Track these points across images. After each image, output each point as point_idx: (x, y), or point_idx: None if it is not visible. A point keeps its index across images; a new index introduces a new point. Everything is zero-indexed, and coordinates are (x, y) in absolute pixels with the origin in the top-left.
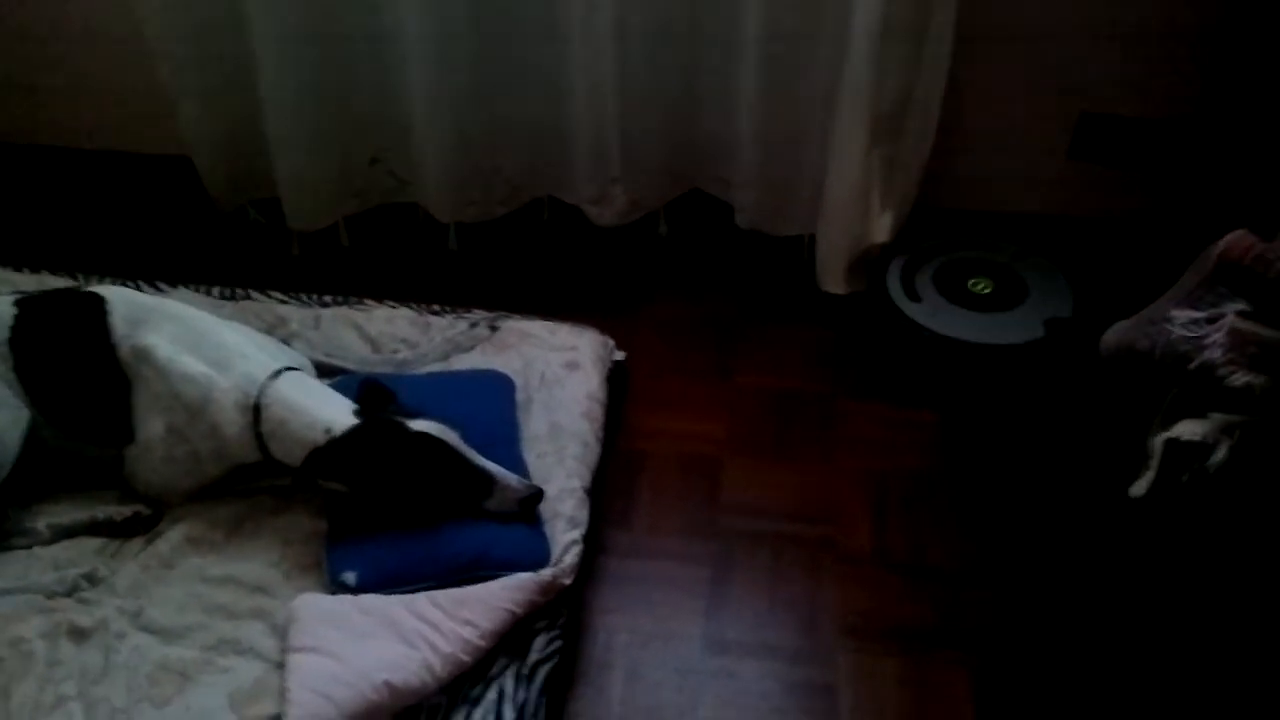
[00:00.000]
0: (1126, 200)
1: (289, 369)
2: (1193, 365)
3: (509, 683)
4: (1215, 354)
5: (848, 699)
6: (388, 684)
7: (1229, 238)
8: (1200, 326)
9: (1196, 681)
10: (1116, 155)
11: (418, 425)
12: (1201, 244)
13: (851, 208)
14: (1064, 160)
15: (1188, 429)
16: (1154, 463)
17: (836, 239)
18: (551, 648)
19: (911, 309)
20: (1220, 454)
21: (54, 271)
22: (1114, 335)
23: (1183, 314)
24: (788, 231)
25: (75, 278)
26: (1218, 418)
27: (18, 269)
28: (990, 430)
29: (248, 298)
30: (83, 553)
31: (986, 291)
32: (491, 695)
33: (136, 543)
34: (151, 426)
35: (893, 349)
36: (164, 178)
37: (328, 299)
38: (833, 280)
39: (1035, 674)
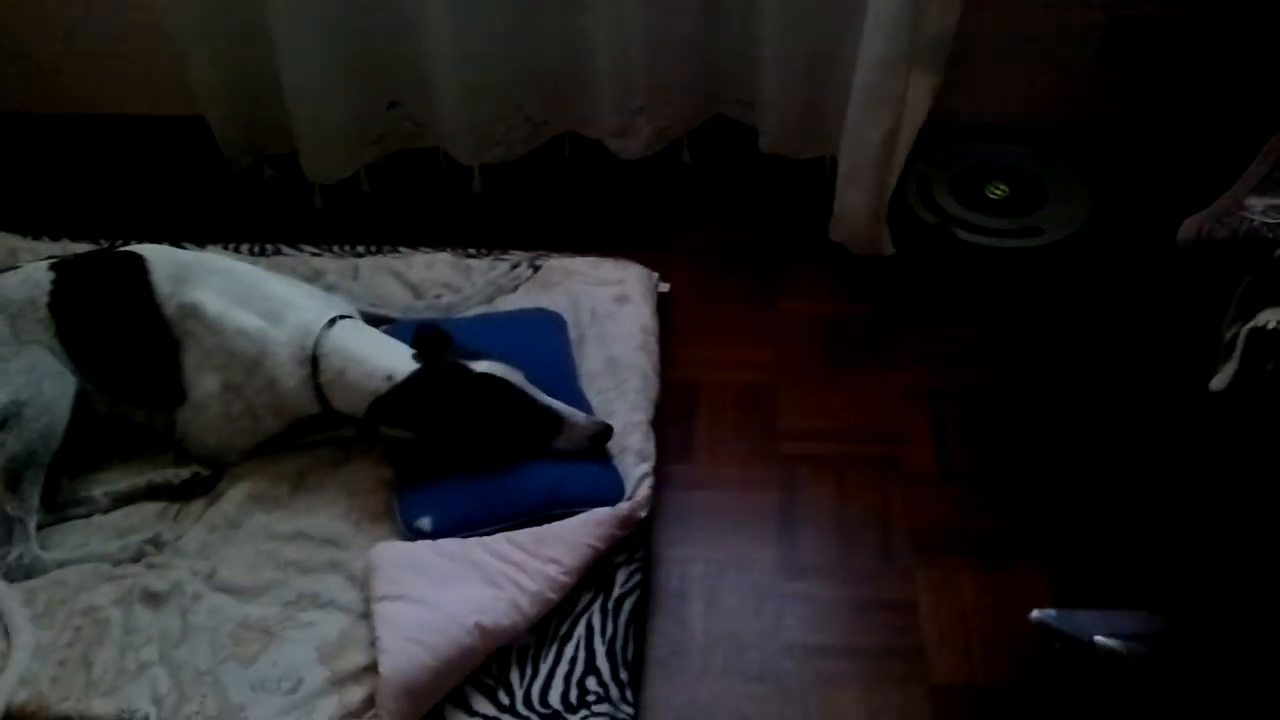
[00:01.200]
0: (1143, 105)
1: (342, 317)
2: (1278, 253)
3: (596, 617)
4: None
5: (929, 613)
6: (479, 626)
7: None
8: None
9: None
10: (1148, 59)
11: (481, 367)
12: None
13: (884, 163)
14: (1081, 67)
15: (1274, 316)
16: (1236, 354)
17: (870, 200)
18: (633, 580)
19: (948, 225)
20: None
21: (74, 238)
22: (1190, 228)
23: (1259, 201)
24: (810, 154)
25: (98, 243)
26: None
27: (37, 237)
28: (1042, 335)
29: (279, 253)
30: (144, 518)
31: (1004, 195)
32: (580, 631)
33: (198, 504)
34: (205, 385)
35: (931, 266)
36: (169, 140)
37: (361, 249)
38: (871, 243)
39: (1114, 574)
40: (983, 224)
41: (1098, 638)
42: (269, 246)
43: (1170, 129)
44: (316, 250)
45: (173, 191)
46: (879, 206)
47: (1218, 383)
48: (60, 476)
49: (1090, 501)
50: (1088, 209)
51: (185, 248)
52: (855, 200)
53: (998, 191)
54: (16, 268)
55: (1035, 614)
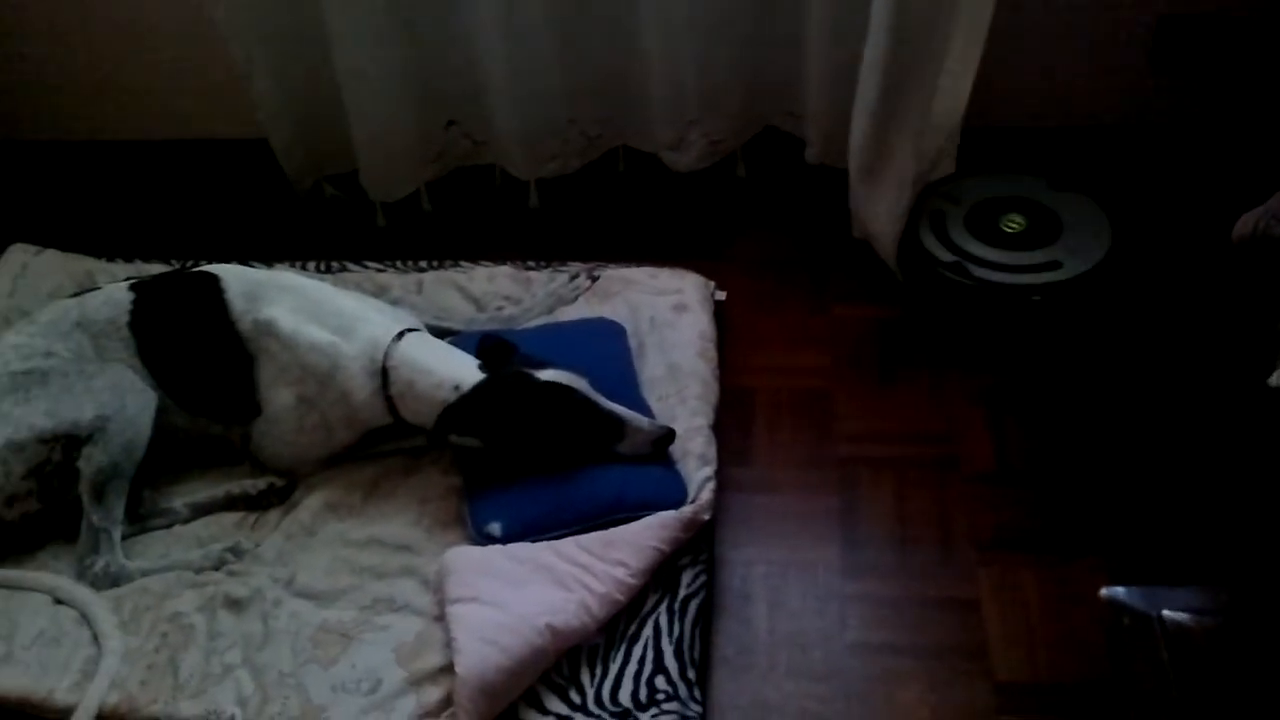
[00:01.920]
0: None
1: (410, 330)
2: None
3: (663, 618)
4: None
5: (992, 612)
6: (550, 627)
7: None
8: None
9: None
10: (1202, 60)
11: (546, 375)
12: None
13: (868, 164)
14: (1125, 69)
15: None
16: None
17: (863, 201)
18: (698, 582)
19: (962, 262)
20: None
21: (147, 260)
22: (1244, 224)
23: None
24: None
25: (170, 264)
26: None
27: (111, 259)
28: (1095, 337)
29: (344, 269)
30: (223, 528)
31: (1021, 228)
32: (648, 631)
33: (274, 514)
34: (280, 399)
35: (948, 303)
36: (233, 162)
37: (424, 264)
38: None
39: (1175, 568)
40: (1000, 260)
41: (1166, 611)
42: (335, 263)
43: (1212, 132)
44: (381, 266)
45: (238, 212)
46: (871, 212)
47: (1277, 379)
48: (142, 489)
49: (1150, 497)
50: (1109, 239)
51: (253, 267)
52: (857, 204)
53: (1013, 224)
54: (95, 289)
55: (1104, 591)
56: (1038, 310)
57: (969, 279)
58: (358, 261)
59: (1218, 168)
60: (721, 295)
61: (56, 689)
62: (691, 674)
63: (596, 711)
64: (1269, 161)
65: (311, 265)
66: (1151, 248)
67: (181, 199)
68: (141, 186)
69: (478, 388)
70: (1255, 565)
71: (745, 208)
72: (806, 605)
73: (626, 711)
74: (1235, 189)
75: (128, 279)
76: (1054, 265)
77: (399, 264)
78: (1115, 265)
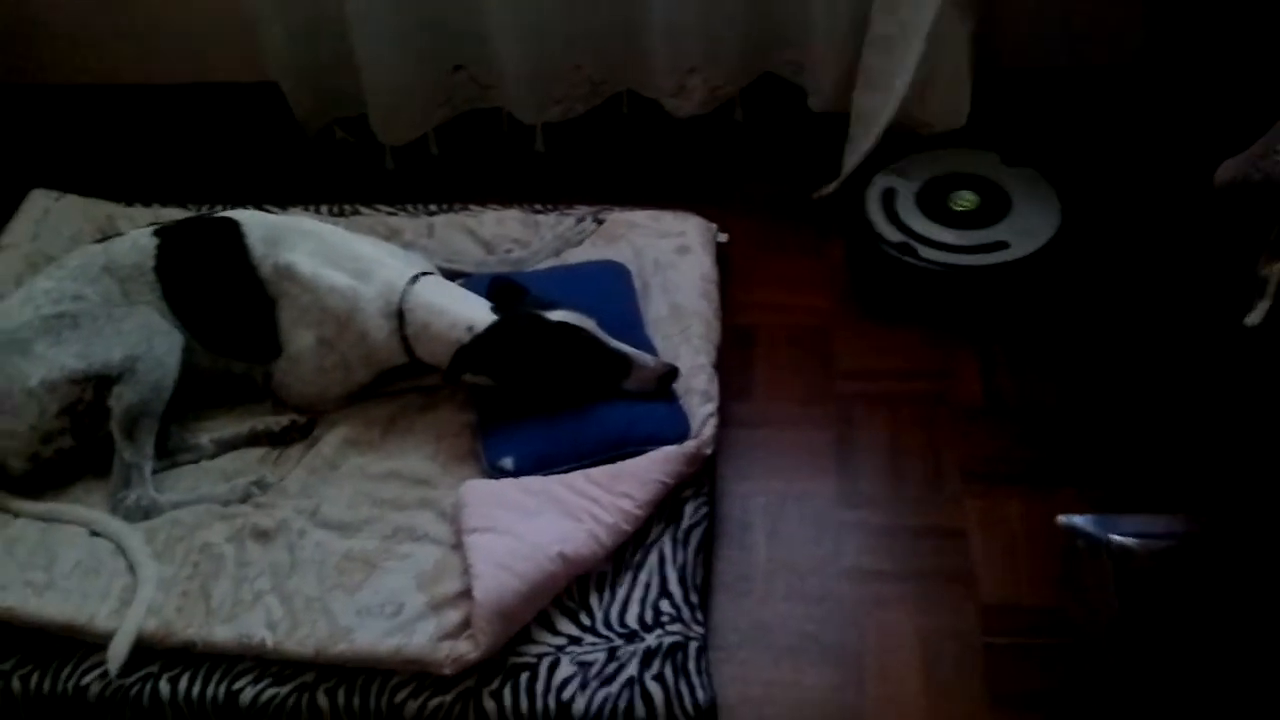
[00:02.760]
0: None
1: (424, 273)
2: None
3: (668, 546)
4: None
5: (977, 540)
6: (561, 554)
7: None
8: None
9: None
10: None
11: (556, 315)
12: None
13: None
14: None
15: None
16: (1270, 290)
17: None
18: (701, 513)
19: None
20: None
21: (164, 204)
22: (1226, 171)
23: None
24: None
25: (187, 208)
26: None
27: (130, 204)
28: (1087, 275)
29: (356, 213)
30: (248, 463)
31: (973, 206)
32: (653, 559)
33: (296, 449)
34: (301, 339)
35: (894, 283)
36: (244, 106)
37: (434, 207)
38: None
39: (1158, 502)
40: (947, 240)
41: (1114, 536)
42: (347, 207)
43: (1201, 76)
44: (392, 210)
45: (250, 156)
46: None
47: (1253, 318)
48: (170, 426)
49: (1130, 431)
50: (1058, 217)
51: (268, 210)
52: None
53: (964, 202)
54: (119, 234)
55: (1061, 518)
56: (984, 290)
57: (917, 259)
58: (369, 204)
59: (1201, 114)
60: (724, 237)
61: (97, 615)
62: (694, 598)
63: (605, 632)
64: (1253, 108)
65: (325, 209)
66: (1114, 208)
67: (194, 143)
68: (154, 130)
69: (491, 328)
70: (1222, 493)
71: (747, 152)
72: (803, 533)
73: (633, 633)
74: (1215, 136)
75: (148, 224)
76: (1001, 245)
77: (410, 207)
78: (1066, 244)
